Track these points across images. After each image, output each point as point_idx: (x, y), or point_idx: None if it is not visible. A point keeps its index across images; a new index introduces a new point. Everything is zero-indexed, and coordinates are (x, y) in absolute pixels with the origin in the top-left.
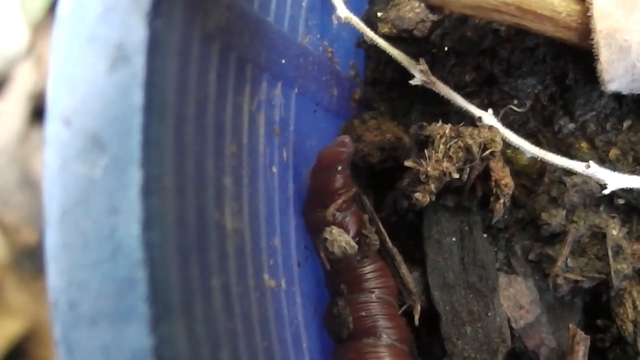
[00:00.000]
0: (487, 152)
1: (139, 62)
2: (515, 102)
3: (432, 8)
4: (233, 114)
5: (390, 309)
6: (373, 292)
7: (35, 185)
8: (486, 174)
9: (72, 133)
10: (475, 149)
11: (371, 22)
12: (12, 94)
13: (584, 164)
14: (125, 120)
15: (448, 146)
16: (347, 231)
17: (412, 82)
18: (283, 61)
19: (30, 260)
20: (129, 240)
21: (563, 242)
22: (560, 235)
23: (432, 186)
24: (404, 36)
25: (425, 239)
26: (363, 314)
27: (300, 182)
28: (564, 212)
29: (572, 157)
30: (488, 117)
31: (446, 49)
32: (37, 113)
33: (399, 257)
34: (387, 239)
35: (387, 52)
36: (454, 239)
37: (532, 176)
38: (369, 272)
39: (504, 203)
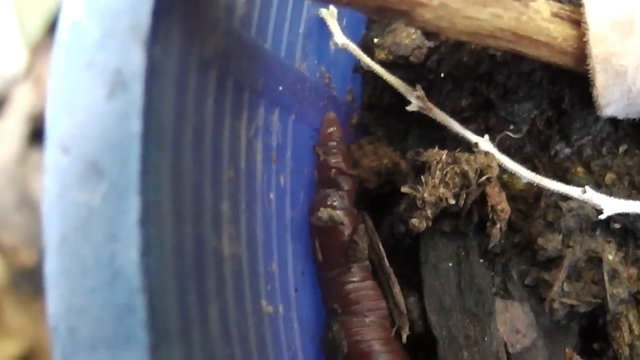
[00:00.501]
0: (484, 178)
1: (137, 89)
2: (512, 127)
3: (428, 35)
4: (230, 140)
5: (385, 332)
6: (367, 315)
7: (33, 206)
8: (482, 199)
9: (71, 160)
10: (471, 174)
11: (368, 48)
12: (11, 115)
13: (580, 189)
14: (124, 147)
15: (444, 172)
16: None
17: (409, 108)
18: (280, 87)
19: (28, 282)
20: (128, 266)
21: (559, 267)
22: (557, 260)
23: (429, 212)
24: (400, 62)
25: (422, 263)
26: (358, 338)
27: (297, 208)
28: (560, 237)
29: (568, 181)
30: (484, 143)
31: (442, 75)
32: (36, 134)
33: (394, 278)
34: (385, 258)
35: (384, 78)
36: (450, 264)
37: (529, 201)
38: (362, 290)
39: (501, 228)
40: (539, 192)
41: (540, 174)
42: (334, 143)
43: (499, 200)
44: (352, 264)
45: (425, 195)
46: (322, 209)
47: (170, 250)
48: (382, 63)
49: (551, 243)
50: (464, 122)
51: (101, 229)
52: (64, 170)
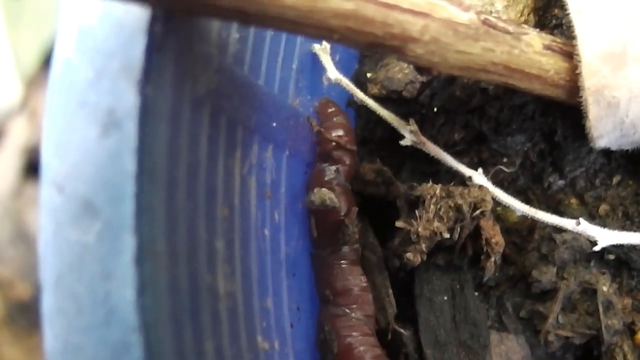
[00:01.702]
0: (478, 211)
1: (130, 128)
2: (505, 160)
3: (420, 70)
4: (224, 178)
5: (372, 336)
6: (354, 309)
7: (29, 239)
8: (477, 232)
9: (65, 198)
10: (465, 208)
11: (360, 82)
12: (6, 149)
13: (574, 221)
14: (118, 186)
15: (439, 206)
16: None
17: (403, 142)
18: (274, 124)
19: (24, 316)
20: (123, 305)
21: (554, 299)
22: (551, 292)
23: (423, 246)
24: (393, 97)
25: (417, 297)
26: (349, 340)
27: (292, 244)
28: (554, 269)
29: (561, 213)
30: (478, 177)
31: (435, 109)
32: (31, 168)
33: (388, 283)
34: (382, 259)
35: (377, 112)
36: (445, 297)
37: (523, 233)
38: (350, 275)
39: (495, 261)
40: (532, 224)
41: (533, 206)
42: (335, 118)
43: (493, 234)
44: (343, 245)
45: (419, 229)
46: (315, 190)
47: (165, 288)
48: (375, 97)
49: (545, 275)
50: (457, 155)
51: (96, 267)
52: (58, 209)
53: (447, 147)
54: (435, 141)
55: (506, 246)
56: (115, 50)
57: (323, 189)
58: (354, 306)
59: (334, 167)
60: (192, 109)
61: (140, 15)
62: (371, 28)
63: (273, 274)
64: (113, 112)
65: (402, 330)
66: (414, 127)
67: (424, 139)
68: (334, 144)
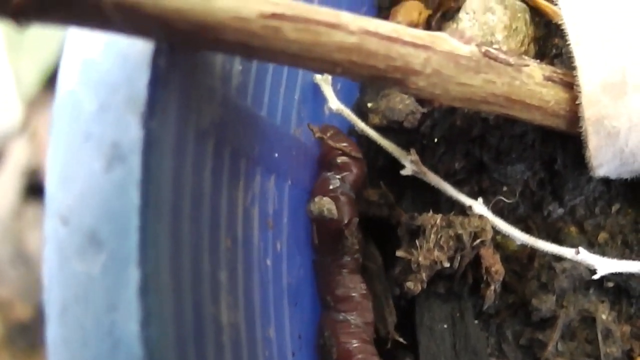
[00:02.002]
0: (478, 240)
1: (135, 161)
2: (505, 188)
3: (421, 101)
4: (228, 209)
5: (370, 343)
6: (354, 315)
7: (29, 260)
8: (477, 260)
9: (70, 231)
10: (466, 238)
11: (362, 112)
12: (6, 170)
13: (573, 249)
14: (123, 219)
15: (439, 235)
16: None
17: (403, 172)
18: (276, 154)
19: (23, 336)
20: (128, 337)
21: (553, 327)
22: (551, 320)
23: (424, 275)
24: (394, 127)
25: (417, 325)
26: (348, 347)
27: (294, 273)
28: (553, 298)
29: (561, 241)
30: (478, 206)
31: (436, 140)
32: (32, 189)
33: (389, 293)
34: (383, 268)
35: (378, 142)
36: (445, 325)
37: (522, 261)
38: (351, 283)
39: (495, 289)
40: (532, 252)
41: (533, 235)
42: (338, 135)
43: (493, 262)
44: (343, 254)
45: (420, 259)
46: (316, 199)
47: (170, 320)
48: (376, 127)
49: (545, 304)
50: (457, 184)
51: (101, 299)
52: (63, 241)
53: (448, 176)
54: (436, 170)
55: (506, 274)
56: (119, 83)
57: (324, 199)
58: (354, 313)
59: (339, 176)
60: (196, 142)
61: (144, 47)
62: (374, 61)
63: (275, 303)
64: (117, 145)
65: (401, 340)
66: (414, 157)
67: (424, 168)
68: (338, 151)
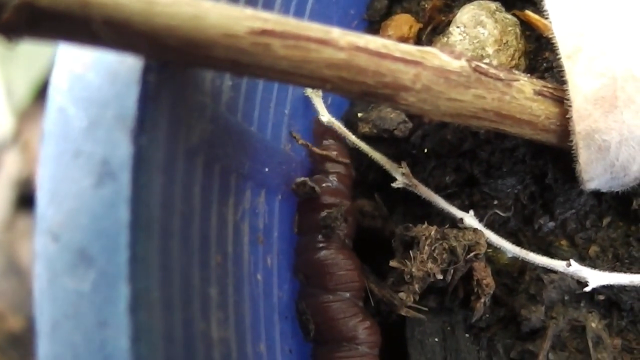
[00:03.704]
0: (472, 254)
1: (124, 178)
2: (496, 202)
3: (411, 117)
4: (218, 225)
5: (353, 308)
6: (333, 290)
7: (21, 272)
8: (468, 273)
9: (60, 247)
10: (459, 251)
11: (351, 123)
12: None
13: (564, 262)
14: (112, 235)
15: (433, 248)
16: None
17: (395, 184)
18: (266, 169)
19: (15, 348)
20: (119, 353)
21: (543, 337)
22: (541, 331)
23: (416, 286)
24: (384, 136)
25: (408, 339)
26: (325, 316)
27: (284, 287)
28: (542, 308)
29: (552, 255)
30: (469, 219)
31: (426, 150)
32: (23, 200)
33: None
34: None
35: (369, 155)
36: (436, 339)
37: (513, 275)
38: (330, 260)
39: (485, 302)
40: (523, 266)
41: (524, 248)
42: (328, 138)
43: (485, 275)
44: (328, 231)
45: (413, 270)
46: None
47: (160, 336)
48: (365, 137)
49: (535, 314)
50: (448, 198)
51: (92, 315)
52: (53, 258)
53: (439, 190)
54: (427, 184)
55: (497, 288)
56: (109, 100)
57: (308, 180)
58: (336, 286)
59: (329, 177)
60: (186, 158)
61: (133, 64)
62: (364, 77)
63: (266, 318)
64: (107, 161)
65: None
66: (406, 169)
67: (415, 181)
68: (325, 158)
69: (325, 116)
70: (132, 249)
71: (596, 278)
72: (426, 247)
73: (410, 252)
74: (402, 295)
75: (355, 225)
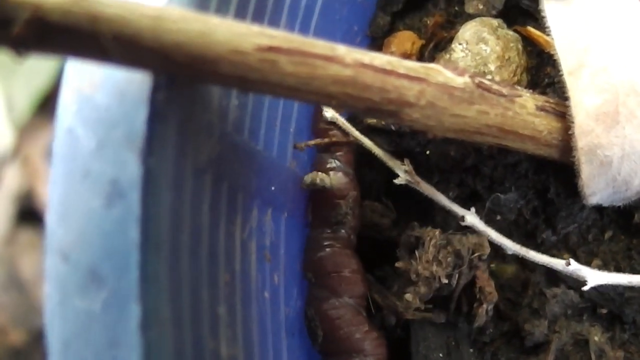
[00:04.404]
0: (476, 254)
1: (134, 198)
2: (499, 217)
3: (415, 132)
4: (226, 243)
5: (358, 317)
6: (341, 294)
7: (22, 286)
8: (472, 284)
9: (71, 267)
10: (464, 253)
11: (355, 118)
12: None
13: (563, 261)
14: (123, 255)
15: (437, 249)
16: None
17: (397, 181)
18: (273, 187)
19: None
20: None
21: (547, 351)
22: (544, 345)
23: (422, 289)
24: (388, 129)
25: (413, 354)
26: (334, 324)
27: (291, 304)
28: (546, 322)
29: (553, 269)
30: (471, 217)
31: (428, 152)
32: (24, 214)
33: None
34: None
35: (373, 151)
36: (441, 354)
37: (516, 289)
38: (339, 257)
39: (487, 310)
40: (526, 280)
41: (527, 263)
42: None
43: (487, 284)
44: (337, 226)
45: (419, 268)
46: (308, 174)
47: (170, 354)
48: (371, 128)
49: (538, 328)
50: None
51: (102, 335)
52: (64, 278)
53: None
54: (430, 200)
55: (500, 302)
56: (117, 120)
57: (318, 172)
58: (340, 288)
59: (333, 156)
60: (194, 177)
61: (141, 84)
62: (369, 94)
63: (273, 335)
64: (116, 182)
65: None
66: (408, 166)
67: (418, 178)
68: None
69: (328, 112)
70: (142, 268)
71: (595, 277)
72: (431, 248)
73: (416, 252)
74: (408, 296)
75: (360, 217)
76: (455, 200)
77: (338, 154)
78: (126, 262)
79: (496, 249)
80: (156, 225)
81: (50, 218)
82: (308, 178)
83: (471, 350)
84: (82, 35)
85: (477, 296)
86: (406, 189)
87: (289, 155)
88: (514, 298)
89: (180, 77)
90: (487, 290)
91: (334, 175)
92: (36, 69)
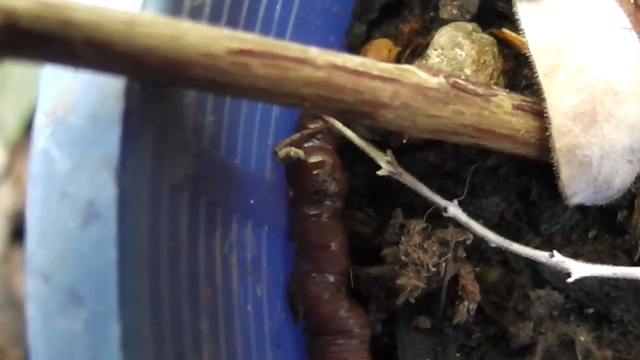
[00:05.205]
0: (461, 240)
1: (110, 218)
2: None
3: (391, 133)
4: (205, 259)
5: (338, 294)
6: (324, 270)
7: (18, 304)
8: (456, 284)
9: (51, 288)
10: (448, 238)
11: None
12: None
13: (547, 253)
14: (101, 275)
15: (422, 239)
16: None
17: (380, 172)
18: (252, 201)
19: None
20: None
21: (533, 353)
22: (530, 347)
23: (412, 274)
24: None
25: None
26: (315, 300)
27: (275, 316)
28: (531, 324)
29: (539, 270)
30: (453, 208)
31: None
32: (18, 233)
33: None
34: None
35: (355, 143)
36: None
37: (502, 292)
38: (326, 237)
39: (469, 309)
40: (511, 283)
41: (511, 265)
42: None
43: (471, 283)
44: (317, 196)
45: (408, 249)
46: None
47: None
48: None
49: (523, 330)
50: (433, 218)
51: (85, 354)
52: (45, 299)
53: (424, 210)
54: (412, 205)
55: (486, 306)
56: (91, 141)
57: (290, 146)
58: (324, 261)
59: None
60: (171, 195)
61: (114, 105)
62: (342, 95)
63: (258, 348)
64: (93, 202)
65: None
66: (391, 157)
67: (400, 169)
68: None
69: None
70: (121, 287)
71: (579, 269)
72: (416, 235)
73: (402, 237)
74: (401, 280)
75: (345, 181)
76: (437, 208)
77: (317, 136)
78: (105, 282)
79: (481, 252)
80: (133, 244)
81: (30, 240)
82: (282, 152)
83: (458, 354)
84: (55, 40)
85: (459, 293)
86: (387, 194)
87: (267, 167)
88: (499, 301)
89: (153, 84)
90: (469, 289)
91: (310, 148)
92: (25, 87)
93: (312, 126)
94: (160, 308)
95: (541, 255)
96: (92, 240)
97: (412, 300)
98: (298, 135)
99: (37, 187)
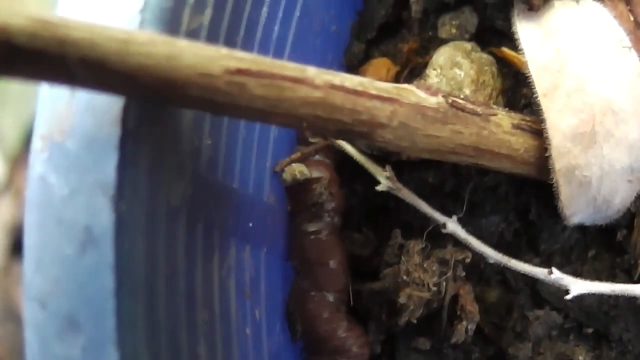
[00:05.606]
0: (460, 258)
1: (107, 244)
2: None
3: (390, 154)
4: (203, 283)
5: (337, 312)
6: (323, 288)
7: (17, 317)
8: (455, 304)
9: (48, 314)
10: (447, 257)
11: None
12: None
13: (546, 270)
14: (99, 302)
15: (422, 259)
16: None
17: (379, 188)
18: (250, 224)
19: None
20: None
21: None
22: None
23: (414, 292)
24: None
25: None
26: (313, 318)
27: (274, 338)
28: (530, 345)
29: (539, 291)
30: (452, 224)
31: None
32: (18, 246)
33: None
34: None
35: (354, 158)
36: None
37: (501, 313)
38: (322, 245)
39: (467, 328)
40: (510, 303)
41: (510, 285)
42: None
43: (470, 303)
44: (313, 207)
45: (409, 267)
46: (286, 169)
47: None
48: None
49: (522, 351)
50: (432, 237)
51: None
52: (42, 325)
53: (423, 229)
54: (411, 225)
55: (485, 326)
56: (88, 166)
57: (293, 165)
58: (323, 280)
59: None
60: (168, 220)
61: (111, 130)
62: (339, 115)
63: None
64: (89, 229)
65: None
66: (390, 173)
67: (399, 185)
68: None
69: None
70: (118, 314)
71: (577, 286)
72: (416, 255)
73: (402, 256)
74: (402, 298)
75: (342, 197)
76: (436, 227)
77: (317, 153)
78: (102, 309)
79: (480, 272)
80: (131, 270)
81: (27, 266)
82: (287, 175)
83: None
84: (50, 58)
85: (458, 313)
86: (385, 214)
87: (266, 190)
88: (498, 322)
89: (149, 103)
90: (468, 309)
91: (311, 164)
92: (24, 101)
93: (313, 140)
94: (158, 333)
95: (540, 272)
96: (89, 266)
97: (414, 321)
98: (299, 154)
99: (33, 213)
